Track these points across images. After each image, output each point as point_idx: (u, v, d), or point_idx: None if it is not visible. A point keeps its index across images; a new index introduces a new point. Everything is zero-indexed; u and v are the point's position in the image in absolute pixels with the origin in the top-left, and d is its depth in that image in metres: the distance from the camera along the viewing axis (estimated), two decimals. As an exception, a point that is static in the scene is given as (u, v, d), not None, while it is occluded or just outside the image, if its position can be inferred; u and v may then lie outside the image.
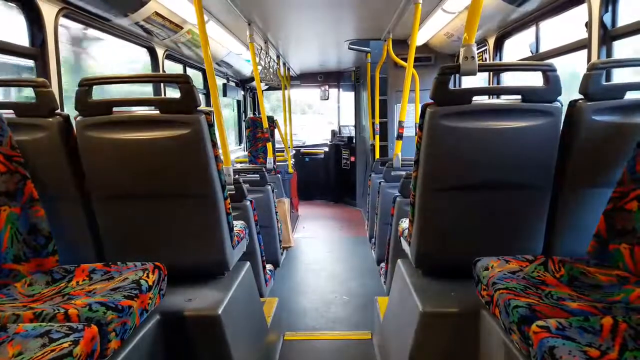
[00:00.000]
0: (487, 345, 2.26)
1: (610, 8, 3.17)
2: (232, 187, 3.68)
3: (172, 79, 2.82)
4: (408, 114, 6.07)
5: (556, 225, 2.66)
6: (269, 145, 6.37)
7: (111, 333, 1.78)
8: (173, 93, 5.48)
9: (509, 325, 1.81)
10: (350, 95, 11.01)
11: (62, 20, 3.43)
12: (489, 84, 5.43)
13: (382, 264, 4.68)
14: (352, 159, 10.57)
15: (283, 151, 8.25)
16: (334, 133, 11.48)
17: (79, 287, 2.11)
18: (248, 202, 3.80)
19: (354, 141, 10.66)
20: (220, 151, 2.99)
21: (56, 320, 1.73)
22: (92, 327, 1.62)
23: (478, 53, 5.59)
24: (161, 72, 5.29)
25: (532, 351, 1.55)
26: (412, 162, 2.68)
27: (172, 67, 6.06)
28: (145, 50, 5.14)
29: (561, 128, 2.48)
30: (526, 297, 1.85)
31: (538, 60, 4.23)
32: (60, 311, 1.76)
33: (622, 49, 3.18)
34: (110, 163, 2.54)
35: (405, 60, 5.11)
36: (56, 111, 2.54)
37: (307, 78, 11.12)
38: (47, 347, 1.48)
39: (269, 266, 4.53)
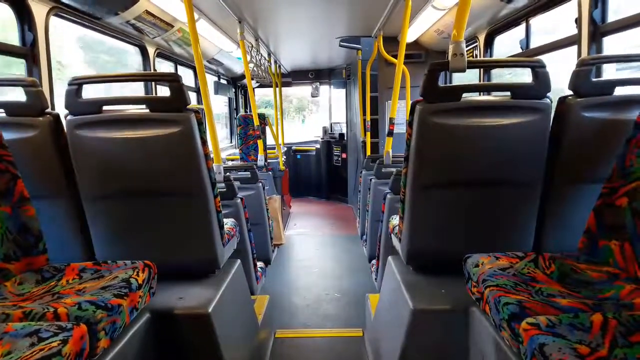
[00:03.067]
0: (477, 342, 2.27)
1: (599, 4, 3.18)
2: (223, 184, 3.67)
3: (162, 78, 2.81)
4: (399, 110, 6.08)
5: (546, 221, 2.67)
6: (260, 142, 6.36)
7: (100, 332, 1.77)
8: (164, 92, 5.47)
9: (499, 322, 1.81)
10: (342, 92, 11.00)
11: (53, 19, 3.41)
12: (480, 81, 5.45)
13: (374, 261, 4.69)
14: (344, 155, 10.57)
15: (274, 148, 8.23)
16: (325, 130, 11.48)
17: (69, 286, 2.10)
18: (239, 200, 3.80)
19: (345, 138, 10.65)
20: (211, 149, 2.99)
21: (45, 319, 1.73)
22: (81, 326, 1.62)
23: (468, 50, 5.60)
24: (152, 70, 5.27)
25: (522, 348, 1.56)
26: (403, 159, 2.69)
27: (164, 66, 6.03)
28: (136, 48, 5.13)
29: (551, 124, 2.49)
30: (516, 294, 1.85)
31: (528, 57, 4.25)
32: (49, 310, 1.75)
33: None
34: (101, 162, 2.53)
35: (395, 57, 5.12)
36: (46, 110, 2.53)
37: (298, 75, 11.10)
38: (36, 347, 1.47)
39: (260, 264, 4.52)
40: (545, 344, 1.43)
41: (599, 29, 3.21)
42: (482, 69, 5.35)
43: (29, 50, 3.23)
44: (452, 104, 2.42)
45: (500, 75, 5.44)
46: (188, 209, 2.68)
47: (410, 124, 2.52)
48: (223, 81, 9.15)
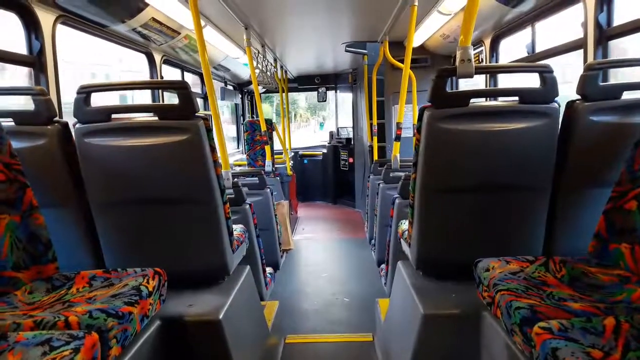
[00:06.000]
0: (489, 347, 2.26)
1: (605, 8, 3.18)
2: (231, 191, 3.68)
3: (170, 86, 2.82)
4: (405, 115, 6.07)
5: (556, 225, 2.66)
6: (268, 148, 6.37)
7: (112, 340, 1.77)
8: (171, 98, 5.48)
9: (511, 326, 1.81)
10: (348, 96, 11.00)
11: (60, 28, 3.43)
12: (486, 86, 5.44)
13: (383, 266, 4.68)
14: (351, 160, 10.55)
15: (281, 153, 8.24)
16: (332, 135, 11.48)
17: (79, 294, 2.11)
18: (247, 206, 3.80)
19: (352, 142, 10.64)
20: (219, 155, 3.00)
21: (57, 328, 1.73)
22: (92, 334, 1.62)
23: (474, 54, 5.58)
24: (159, 77, 5.29)
25: (534, 353, 1.55)
26: (411, 164, 2.69)
27: (170, 72, 6.05)
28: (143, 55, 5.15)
29: (559, 129, 2.48)
30: (527, 298, 1.85)
31: (534, 61, 4.24)
32: (60, 319, 1.75)
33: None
34: (109, 170, 2.54)
35: (402, 61, 5.12)
36: (55, 119, 2.54)
37: (305, 80, 11.12)
38: (48, 356, 1.48)
39: (269, 269, 4.52)
40: (557, 348, 1.42)
41: (604, 33, 3.20)
42: (488, 74, 5.35)
43: (36, 59, 3.24)
44: (460, 109, 2.42)
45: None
46: (197, 216, 2.69)
47: (418, 129, 2.52)
48: (229, 87, 9.18)
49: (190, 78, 6.85)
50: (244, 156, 8.26)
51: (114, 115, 2.54)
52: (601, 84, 2.43)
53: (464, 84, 6.22)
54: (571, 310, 1.71)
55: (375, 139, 7.47)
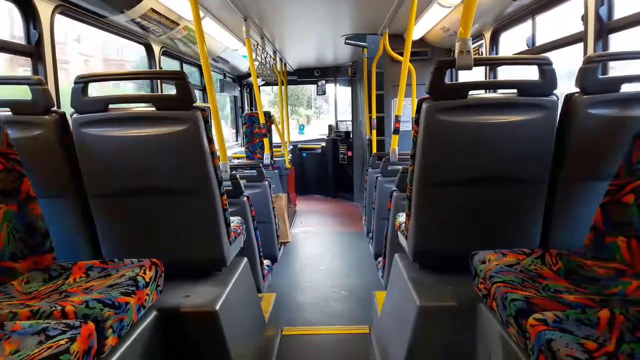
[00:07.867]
0: (484, 338, 2.27)
1: (606, 1, 3.17)
2: (229, 182, 3.67)
3: (168, 76, 2.81)
4: (405, 108, 6.08)
5: (553, 218, 2.66)
6: (266, 140, 6.36)
7: (108, 330, 1.78)
8: (169, 90, 5.46)
9: (506, 318, 1.81)
10: (347, 90, 10.99)
11: (58, 17, 3.42)
12: (486, 78, 5.42)
13: (380, 259, 4.68)
14: (350, 153, 10.54)
15: (280, 147, 8.23)
16: (331, 128, 11.46)
17: (76, 285, 2.11)
18: (245, 198, 3.80)
19: (351, 136, 10.63)
20: (217, 147, 2.99)
21: (53, 317, 1.73)
22: (89, 324, 1.62)
23: (474, 47, 5.57)
24: (158, 68, 5.27)
25: (529, 344, 1.56)
26: (409, 157, 2.68)
27: (169, 64, 6.04)
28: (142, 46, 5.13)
29: (557, 121, 2.48)
30: (523, 290, 1.85)
31: (534, 54, 4.23)
32: (57, 308, 1.76)
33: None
34: (107, 160, 2.54)
35: (401, 54, 5.11)
36: (52, 109, 2.54)
37: (304, 73, 11.09)
38: (44, 345, 1.48)
39: (266, 261, 4.52)
40: (552, 340, 1.43)
41: (605, 26, 3.19)
42: (487, 67, 5.33)
43: (34, 49, 3.23)
44: (458, 101, 2.42)
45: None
46: (195, 207, 2.69)
47: (416, 121, 2.52)
48: (228, 79, 9.16)
49: (189, 70, 6.83)
50: (243, 149, 8.25)
51: (111, 106, 2.53)
52: (600, 76, 2.42)
53: (464, 78, 6.21)
54: (566, 302, 1.72)
55: (374, 132, 7.45)
